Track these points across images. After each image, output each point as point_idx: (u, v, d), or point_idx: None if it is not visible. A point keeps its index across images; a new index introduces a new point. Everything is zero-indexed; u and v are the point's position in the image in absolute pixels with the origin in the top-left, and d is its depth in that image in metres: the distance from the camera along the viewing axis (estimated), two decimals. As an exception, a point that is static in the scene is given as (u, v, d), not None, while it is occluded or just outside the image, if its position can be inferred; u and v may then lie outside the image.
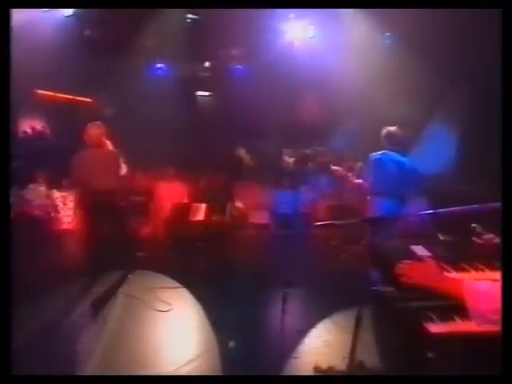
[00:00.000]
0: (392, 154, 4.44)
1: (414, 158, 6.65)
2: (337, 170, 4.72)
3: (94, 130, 4.61)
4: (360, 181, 4.58)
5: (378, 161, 4.45)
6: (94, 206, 4.43)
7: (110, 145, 4.77)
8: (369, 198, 4.51)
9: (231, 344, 3.24)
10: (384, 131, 4.53)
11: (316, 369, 2.86)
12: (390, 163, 4.42)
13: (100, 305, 3.94)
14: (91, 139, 4.58)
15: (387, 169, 4.39)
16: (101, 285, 4.34)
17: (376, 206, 4.36)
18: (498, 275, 1.38)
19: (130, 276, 4.63)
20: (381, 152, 4.49)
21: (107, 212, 4.46)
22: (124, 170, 4.76)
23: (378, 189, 4.37)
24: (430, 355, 1.79)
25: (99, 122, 4.70)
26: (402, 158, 4.45)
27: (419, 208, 4.57)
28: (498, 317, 1.28)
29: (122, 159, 4.73)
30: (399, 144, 4.49)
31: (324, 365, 2.87)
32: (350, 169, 5.13)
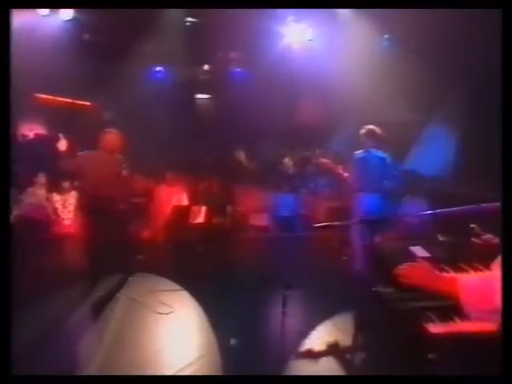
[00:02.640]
0: (374, 151, 4.66)
1: (414, 159, 6.71)
2: (324, 163, 4.95)
3: (112, 137, 4.71)
4: (347, 174, 4.83)
5: (362, 159, 4.66)
6: (95, 208, 4.45)
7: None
8: (356, 193, 4.71)
9: (233, 341, 3.26)
10: (364, 130, 4.73)
11: None
12: (373, 160, 4.63)
13: (101, 308, 3.94)
14: (106, 144, 4.66)
15: (371, 166, 4.59)
16: (101, 288, 4.34)
17: (363, 202, 4.55)
18: (496, 272, 1.38)
19: (130, 279, 4.63)
20: (364, 150, 4.63)
21: (108, 215, 4.47)
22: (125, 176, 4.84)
23: (364, 185, 4.58)
24: (430, 356, 1.79)
25: (116, 131, 4.79)
26: (383, 155, 4.68)
27: (418, 209, 4.63)
28: (490, 307, 1.29)
29: (124, 165, 4.80)
30: (380, 141, 4.70)
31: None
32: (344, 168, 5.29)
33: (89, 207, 4.61)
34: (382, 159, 4.66)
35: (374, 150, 4.66)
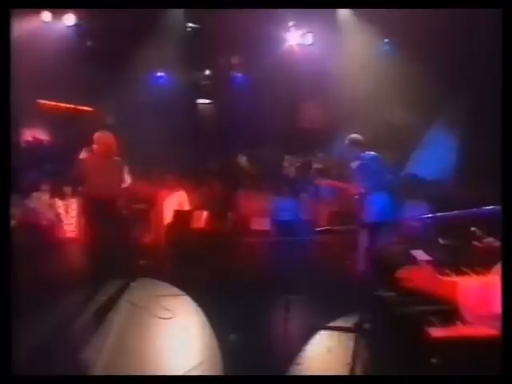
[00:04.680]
0: (365, 154, 4.79)
1: (415, 163, 6.73)
2: (322, 183, 5.11)
3: (107, 139, 4.64)
4: (345, 184, 5.03)
5: (358, 166, 4.79)
6: (98, 213, 4.46)
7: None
8: (357, 196, 4.83)
9: (232, 337, 3.27)
10: (347, 140, 4.87)
11: None
12: (367, 162, 4.75)
13: (102, 313, 3.93)
14: (102, 148, 4.61)
15: (368, 167, 4.72)
16: (103, 293, 4.34)
17: (374, 205, 4.65)
18: (497, 278, 1.38)
19: (132, 284, 4.63)
20: (356, 159, 4.80)
21: (110, 220, 4.48)
22: (128, 179, 4.84)
23: (367, 187, 4.71)
24: (432, 360, 1.78)
25: (110, 133, 4.74)
26: (374, 155, 4.82)
27: (419, 212, 4.65)
28: (489, 314, 1.29)
29: (125, 168, 4.80)
30: (365, 147, 4.85)
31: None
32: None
33: (90, 212, 4.61)
34: (374, 158, 4.79)
35: (365, 154, 4.78)
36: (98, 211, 4.47)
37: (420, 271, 1.63)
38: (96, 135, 4.65)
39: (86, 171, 4.57)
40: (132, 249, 5.16)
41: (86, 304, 4.10)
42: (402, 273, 1.60)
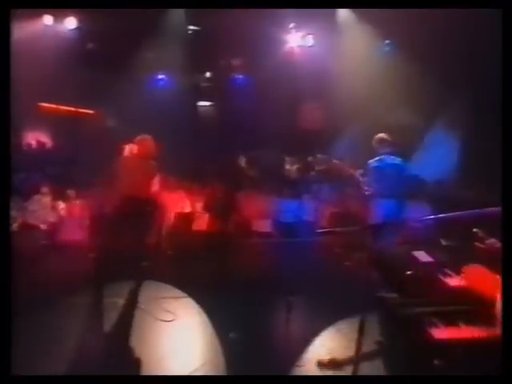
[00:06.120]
0: (388, 157, 4.70)
1: (416, 164, 6.71)
2: (337, 164, 5.01)
3: (148, 142, 4.82)
4: (362, 179, 4.85)
5: (377, 167, 4.69)
6: (125, 210, 4.55)
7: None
8: (371, 201, 4.73)
9: (231, 335, 3.30)
10: (374, 140, 4.80)
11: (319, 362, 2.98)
12: (388, 167, 4.67)
13: (103, 315, 3.93)
14: (142, 150, 4.77)
15: (386, 173, 4.62)
16: (106, 295, 4.33)
17: (380, 209, 4.59)
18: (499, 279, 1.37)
19: (134, 286, 4.62)
20: (377, 158, 4.71)
21: (134, 219, 4.55)
22: (157, 183, 4.92)
23: (380, 192, 4.61)
24: (435, 361, 1.78)
25: (150, 137, 4.88)
26: (398, 161, 4.74)
27: (421, 213, 4.63)
28: None
29: (158, 173, 4.90)
30: (390, 147, 4.76)
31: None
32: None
33: (118, 208, 4.69)
34: (397, 166, 4.72)
35: (388, 157, 4.70)
36: (126, 208, 4.59)
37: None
38: (138, 137, 4.85)
39: (122, 169, 4.69)
40: (135, 251, 5.16)
41: (86, 305, 4.10)
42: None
